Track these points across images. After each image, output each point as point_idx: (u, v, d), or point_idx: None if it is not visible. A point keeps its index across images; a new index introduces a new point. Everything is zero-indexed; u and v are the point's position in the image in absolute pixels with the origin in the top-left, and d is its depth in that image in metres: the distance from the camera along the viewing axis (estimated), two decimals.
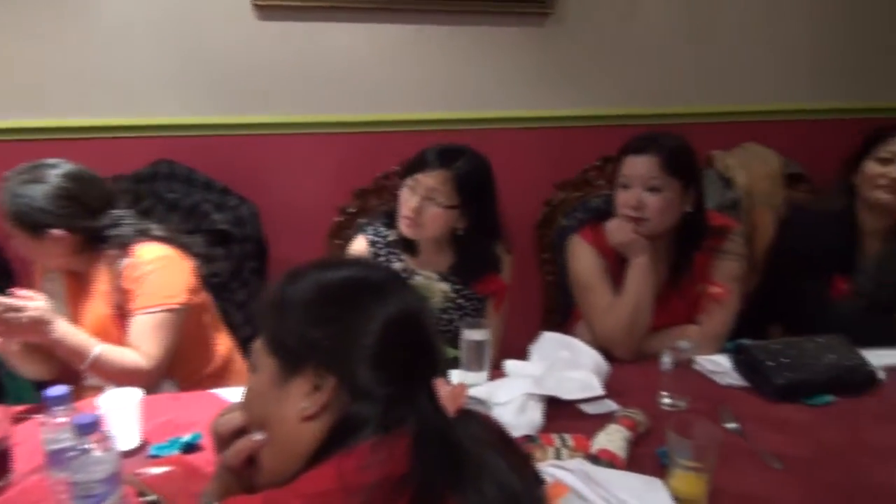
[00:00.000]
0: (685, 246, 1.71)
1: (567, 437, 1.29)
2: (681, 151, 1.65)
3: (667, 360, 1.46)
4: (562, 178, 2.30)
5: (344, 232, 2.12)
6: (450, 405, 0.77)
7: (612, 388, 1.53)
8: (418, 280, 1.68)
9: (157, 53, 2.20)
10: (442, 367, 0.80)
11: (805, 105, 2.61)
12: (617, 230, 1.67)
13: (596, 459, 1.21)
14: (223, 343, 1.81)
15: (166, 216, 2.15)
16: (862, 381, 1.55)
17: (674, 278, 1.73)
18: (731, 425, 1.39)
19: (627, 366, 1.63)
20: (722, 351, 1.67)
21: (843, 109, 2.63)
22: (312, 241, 2.17)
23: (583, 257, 1.75)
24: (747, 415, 1.45)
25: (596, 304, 1.72)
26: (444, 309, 1.76)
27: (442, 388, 0.78)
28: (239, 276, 2.21)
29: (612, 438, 1.25)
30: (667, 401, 1.47)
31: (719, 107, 2.58)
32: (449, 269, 1.77)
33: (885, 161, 1.77)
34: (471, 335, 1.49)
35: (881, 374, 1.61)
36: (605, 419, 1.34)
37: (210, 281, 2.16)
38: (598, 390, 1.44)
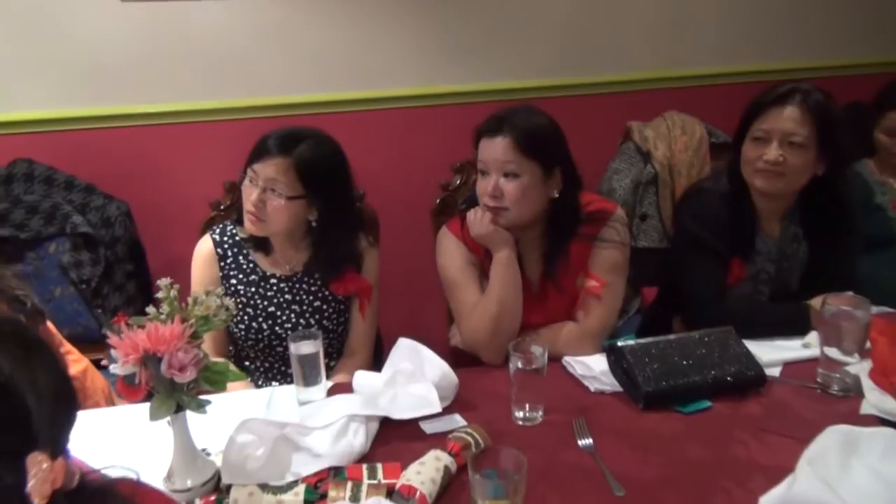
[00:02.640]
0: (557, 235, 1.53)
1: (379, 467, 1.13)
2: (538, 130, 1.46)
3: (514, 366, 1.29)
4: (461, 158, 2.13)
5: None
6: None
7: (468, 399, 1.38)
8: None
9: (12, 43, 2.03)
10: (42, 439, 0.63)
11: (730, 68, 2.41)
12: (476, 222, 1.50)
13: (397, 496, 1.05)
14: (76, 365, 1.65)
15: (26, 220, 1.99)
16: (745, 382, 1.38)
17: (549, 271, 1.56)
18: (584, 442, 1.23)
19: (494, 371, 1.47)
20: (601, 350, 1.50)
21: (773, 71, 2.42)
22: (193, 239, 2.01)
23: (449, 251, 1.58)
24: (610, 427, 1.29)
25: (462, 303, 1.55)
26: (302, 313, 1.60)
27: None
28: (111, 280, 2.06)
29: (422, 470, 1.09)
30: (519, 414, 1.31)
31: (636, 74, 2.39)
32: (304, 267, 1.61)
33: (759, 141, 1.57)
34: (299, 349, 1.33)
35: (774, 371, 1.45)
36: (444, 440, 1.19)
37: (80, 288, 2.01)
38: (436, 407, 1.28)
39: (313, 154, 1.51)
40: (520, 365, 1.29)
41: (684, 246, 1.69)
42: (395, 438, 1.26)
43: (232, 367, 1.17)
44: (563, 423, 1.29)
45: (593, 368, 1.44)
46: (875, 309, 1.41)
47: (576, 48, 2.40)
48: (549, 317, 1.57)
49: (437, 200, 2.09)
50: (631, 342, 1.41)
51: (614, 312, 1.55)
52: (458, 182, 2.04)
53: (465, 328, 1.54)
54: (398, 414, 1.26)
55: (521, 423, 1.31)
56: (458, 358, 1.67)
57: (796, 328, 1.54)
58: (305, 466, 1.11)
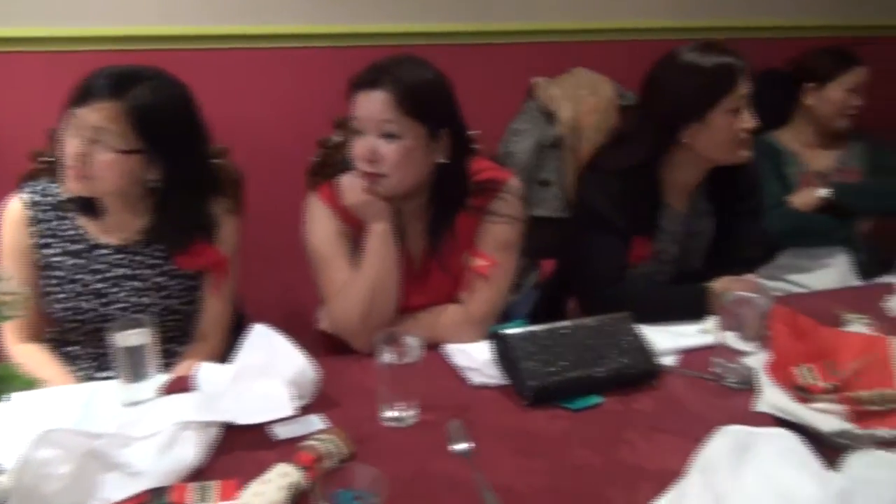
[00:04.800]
0: (442, 206, 1.43)
1: (212, 486, 1.01)
2: (424, 85, 1.35)
3: (386, 359, 1.19)
4: (344, 111, 1.99)
5: None
6: None
7: (332, 396, 1.28)
8: None
9: None
10: None
11: (645, 23, 2.36)
12: (349, 189, 1.38)
13: None
14: None
15: None
16: (639, 375, 1.34)
17: (433, 247, 1.46)
18: (460, 447, 1.15)
19: (365, 361, 1.37)
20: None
21: (688, 28, 2.39)
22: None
23: (318, 222, 1.46)
24: (491, 427, 1.22)
25: (331, 282, 1.44)
26: (139, 291, 1.43)
27: None
28: None
29: (265, 490, 0.98)
30: (388, 414, 1.21)
31: (543, 24, 2.30)
32: (143, 236, 1.44)
33: (735, 112, 1.54)
34: (123, 339, 1.17)
35: (669, 360, 1.42)
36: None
37: None
38: (287, 409, 1.16)
39: (153, 99, 1.33)
40: (390, 359, 1.19)
41: (583, 222, 1.63)
42: (239, 447, 1.14)
43: (34, 366, 1.01)
44: (438, 424, 1.21)
45: (476, 358, 1.36)
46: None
47: None
48: (432, 298, 1.48)
49: (315, 159, 1.94)
50: (518, 330, 1.34)
51: (503, 295, 1.48)
52: (339, 139, 1.89)
53: (334, 310, 1.43)
54: (242, 418, 1.14)
55: (390, 424, 1.21)
56: (326, 343, 1.56)
57: (695, 312, 1.52)
58: (118, 489, 0.97)
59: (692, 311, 1.53)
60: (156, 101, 1.34)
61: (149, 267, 1.44)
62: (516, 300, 2.27)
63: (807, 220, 2.15)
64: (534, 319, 1.50)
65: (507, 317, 1.61)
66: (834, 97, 2.17)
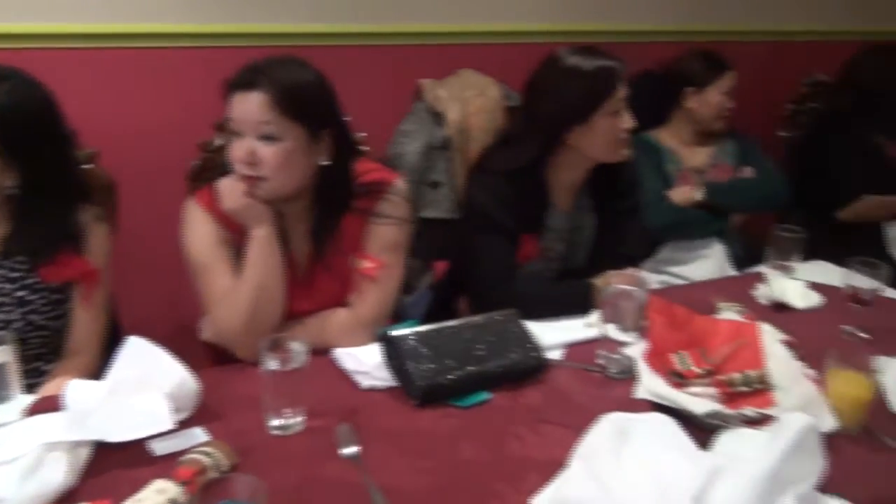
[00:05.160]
0: (327, 209, 1.42)
1: None
2: (302, 86, 1.33)
3: (270, 366, 1.17)
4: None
5: None
6: None
7: (215, 407, 1.24)
8: None
9: None
10: None
11: (527, 26, 2.43)
12: (228, 193, 1.35)
13: None
14: None
15: None
16: (526, 370, 1.38)
17: (318, 251, 1.45)
18: (349, 450, 1.15)
19: (250, 370, 1.33)
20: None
21: (569, 32, 2.48)
22: None
23: (197, 228, 1.42)
24: (380, 430, 1.22)
25: (212, 290, 1.40)
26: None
27: None
28: None
29: None
30: (275, 422, 1.19)
31: (430, 26, 2.33)
32: (2, 246, 1.35)
33: (616, 113, 1.61)
34: None
35: (556, 354, 1.47)
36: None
37: None
38: (166, 423, 1.12)
39: (7, 100, 1.27)
40: (275, 365, 1.17)
41: (472, 223, 1.66)
42: (114, 465, 1.09)
43: None
44: (327, 430, 1.20)
45: (365, 361, 1.36)
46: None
47: None
48: (319, 303, 1.46)
49: (195, 164, 1.89)
50: (405, 331, 1.35)
51: (391, 297, 1.49)
52: (220, 143, 1.85)
53: (216, 319, 1.39)
54: (117, 435, 1.09)
55: (277, 432, 1.19)
56: (211, 354, 1.52)
57: (581, 307, 1.58)
58: None
59: (578, 306, 1.58)
60: (10, 102, 1.27)
61: (9, 280, 1.36)
62: (410, 302, 2.28)
63: (685, 214, 2.27)
64: (428, 321, 1.51)
65: (400, 319, 1.61)
66: (712, 100, 2.31)
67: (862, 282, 1.58)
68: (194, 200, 1.43)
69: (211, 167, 1.86)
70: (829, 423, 1.22)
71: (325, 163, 1.38)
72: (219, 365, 1.48)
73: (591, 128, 1.59)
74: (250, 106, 1.30)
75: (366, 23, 2.30)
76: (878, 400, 1.30)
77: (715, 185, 2.30)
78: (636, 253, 1.74)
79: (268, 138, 1.31)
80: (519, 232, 1.64)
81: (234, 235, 1.41)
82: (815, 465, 1.09)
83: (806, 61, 2.87)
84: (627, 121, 1.61)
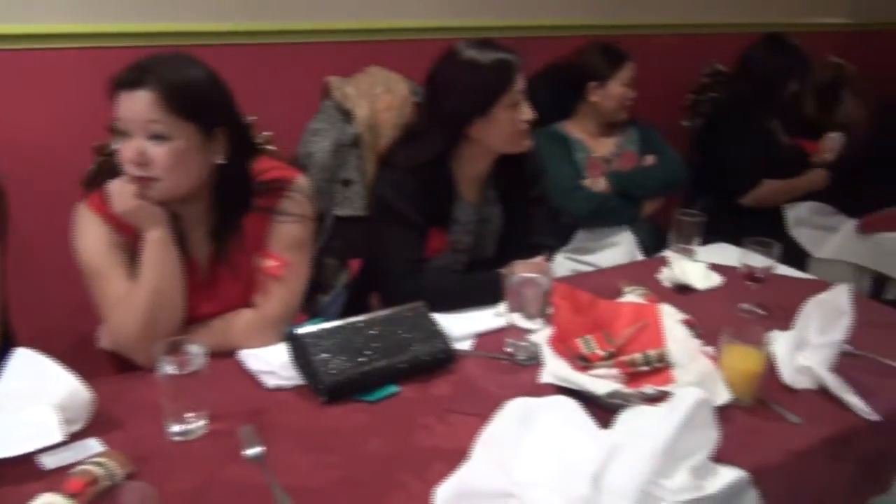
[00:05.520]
0: (226, 208, 1.40)
1: None
2: (192, 83, 1.31)
3: (167, 370, 1.14)
4: None
5: None
6: None
7: (113, 416, 1.21)
8: None
9: None
10: None
11: (432, 23, 2.45)
12: (118, 195, 1.31)
13: None
14: None
15: None
16: (435, 361, 1.39)
17: (219, 251, 1.42)
18: (252, 451, 1.13)
19: (150, 377, 1.29)
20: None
21: (472, 28, 2.51)
22: None
23: (89, 233, 1.37)
24: (286, 429, 1.21)
25: (107, 296, 1.36)
26: None
27: None
28: None
29: None
30: (175, 428, 1.17)
31: (336, 24, 2.31)
32: None
33: (516, 105, 1.63)
34: None
35: (466, 345, 1.48)
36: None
37: None
38: (56, 435, 1.08)
39: None
40: (172, 370, 1.14)
41: (380, 218, 1.67)
42: (2, 482, 1.04)
43: None
44: (230, 432, 1.18)
45: (272, 362, 1.34)
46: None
47: None
48: (223, 305, 1.44)
49: (91, 168, 1.82)
50: (312, 328, 1.34)
51: (297, 295, 1.47)
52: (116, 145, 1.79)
53: (112, 325, 1.35)
54: (4, 450, 1.04)
55: (178, 438, 1.17)
56: (112, 362, 1.47)
57: (490, 297, 1.60)
58: None
59: (488, 296, 1.60)
60: None
61: None
62: (327, 301, 2.27)
63: (604, 201, 2.33)
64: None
65: (318, 318, 1.60)
66: (614, 93, 2.37)
67: (756, 261, 1.65)
68: (85, 204, 1.38)
69: (107, 170, 1.80)
70: (724, 396, 1.28)
71: (221, 161, 1.36)
72: (121, 373, 1.44)
73: (492, 120, 1.62)
74: (137, 105, 1.26)
75: (272, 21, 2.27)
76: (770, 372, 1.37)
77: (619, 174, 2.37)
78: (544, 242, 1.77)
79: (157, 138, 1.27)
80: (426, 225, 1.65)
81: (129, 239, 1.37)
82: (709, 436, 1.14)
83: (705, 52, 2.98)
84: (527, 112, 1.64)
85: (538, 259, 1.66)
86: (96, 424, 1.18)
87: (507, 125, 1.63)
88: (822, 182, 2.72)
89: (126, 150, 1.28)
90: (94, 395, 1.19)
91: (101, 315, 1.39)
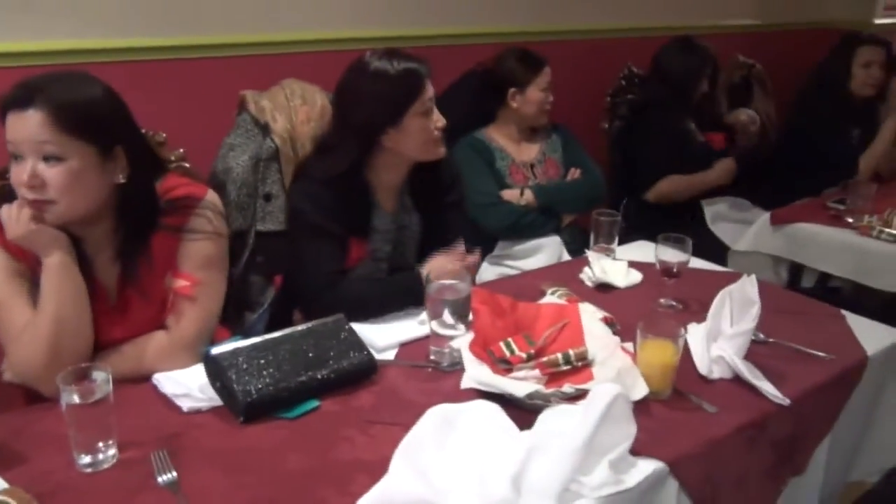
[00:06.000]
0: (131, 229, 1.36)
1: None
2: (84, 101, 1.26)
3: (71, 399, 1.10)
4: None
5: None
6: None
7: (17, 450, 1.16)
8: None
9: None
10: None
11: (346, 33, 2.44)
12: (12, 220, 1.25)
13: None
14: None
15: None
16: (357, 373, 1.37)
17: (127, 274, 1.37)
18: (166, 477, 1.10)
19: (59, 408, 1.24)
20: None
21: (390, 38, 2.52)
22: None
23: None
24: (202, 452, 1.18)
25: (8, 326, 1.30)
26: None
27: None
28: None
29: None
30: (84, 459, 1.12)
31: (250, 37, 2.29)
32: None
33: (427, 113, 1.65)
34: None
35: (389, 354, 1.48)
36: None
37: None
38: None
39: None
40: (76, 398, 1.10)
41: (297, 231, 1.65)
42: None
43: None
44: (143, 459, 1.14)
45: (188, 384, 1.30)
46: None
47: (171, 4, 2.20)
48: (135, 329, 1.39)
49: None
50: (227, 347, 1.31)
51: (212, 314, 1.44)
52: None
53: (15, 357, 1.30)
54: None
55: (87, 469, 1.12)
56: (20, 395, 1.41)
57: (412, 297, 1.59)
58: None
59: (409, 297, 1.59)
60: None
61: None
62: (254, 319, 2.22)
63: (522, 216, 2.35)
64: None
65: (247, 337, 1.56)
66: (533, 98, 2.41)
67: (671, 256, 1.69)
68: None
69: (4, 195, 1.73)
70: (641, 390, 1.30)
71: (123, 181, 1.32)
72: (29, 406, 1.37)
73: (404, 129, 1.62)
74: (27, 125, 1.21)
75: (182, 35, 2.22)
76: (686, 363, 1.40)
77: (544, 188, 2.40)
78: (470, 248, 1.77)
79: (51, 159, 1.23)
80: (345, 236, 1.64)
81: (29, 265, 1.32)
82: (627, 431, 1.16)
83: (620, 55, 3.06)
84: (439, 120, 1.66)
85: (457, 251, 1.67)
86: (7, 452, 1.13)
87: (420, 133, 1.64)
88: (727, 175, 2.80)
89: (19, 173, 1.23)
90: None
91: (3, 347, 1.33)
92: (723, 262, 2.31)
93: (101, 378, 1.12)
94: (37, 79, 1.24)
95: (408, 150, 1.65)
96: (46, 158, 1.23)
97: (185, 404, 1.28)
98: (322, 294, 1.58)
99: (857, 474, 1.64)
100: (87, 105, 1.26)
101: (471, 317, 1.45)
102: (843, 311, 1.71)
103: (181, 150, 1.86)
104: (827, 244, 2.41)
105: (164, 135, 1.80)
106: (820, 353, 1.50)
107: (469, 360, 1.36)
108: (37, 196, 1.24)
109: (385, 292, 1.62)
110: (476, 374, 1.33)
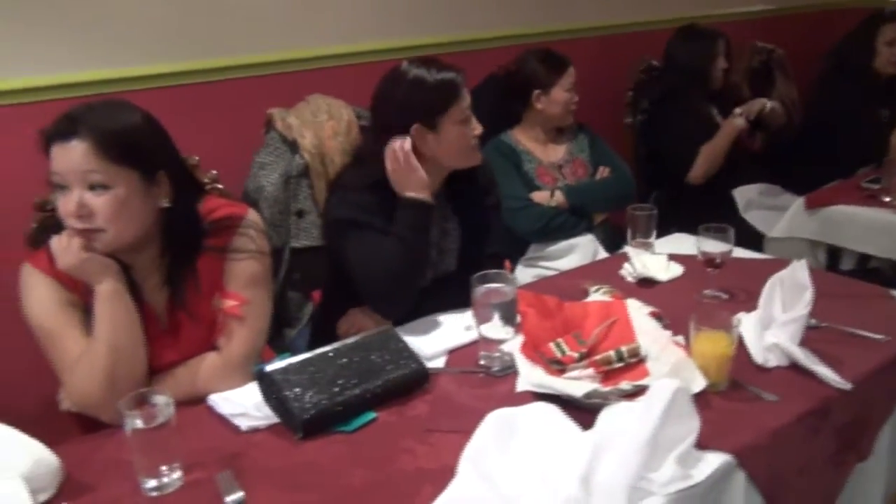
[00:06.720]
0: (178, 253, 1.36)
1: None
2: (127, 129, 1.27)
3: (134, 425, 1.10)
4: None
5: None
6: None
7: (83, 479, 1.17)
8: None
9: None
10: None
11: (368, 46, 2.46)
12: (63, 251, 1.26)
13: None
14: None
15: None
16: (410, 383, 1.37)
17: (176, 297, 1.38)
18: (233, 497, 1.10)
19: (120, 434, 1.24)
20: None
21: (410, 47, 2.53)
22: None
23: (37, 293, 1.32)
24: (264, 470, 1.18)
25: (64, 357, 1.31)
26: None
27: None
28: None
29: None
30: (150, 483, 1.12)
31: (271, 55, 2.30)
32: None
33: (464, 121, 1.65)
34: None
35: (438, 363, 1.47)
36: None
37: None
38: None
39: None
40: (139, 424, 1.10)
41: (342, 236, 1.64)
42: None
43: None
44: (208, 481, 1.14)
45: (243, 403, 1.31)
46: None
47: (195, 28, 2.22)
48: (186, 352, 1.40)
49: (34, 226, 1.76)
50: (281, 364, 1.31)
51: (261, 333, 1.44)
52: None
53: (72, 386, 1.31)
54: None
55: (154, 493, 1.12)
56: (78, 424, 1.42)
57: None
58: None
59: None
60: None
61: None
62: (294, 335, 2.23)
63: (552, 218, 2.34)
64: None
65: (284, 353, 1.57)
66: (558, 99, 2.40)
67: (713, 246, 1.67)
68: (30, 265, 1.33)
69: (50, 227, 1.74)
70: (699, 383, 1.28)
71: (167, 205, 1.33)
72: (88, 434, 1.38)
73: (442, 137, 1.62)
74: (72, 156, 1.22)
75: (205, 59, 2.25)
76: (741, 353, 1.38)
77: (574, 189, 2.39)
78: (503, 251, 1.77)
79: (97, 187, 1.24)
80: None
81: (80, 295, 1.33)
82: (690, 425, 1.15)
83: (638, 49, 3.05)
84: (476, 127, 1.66)
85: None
86: (66, 490, 1.14)
87: (458, 141, 1.64)
88: (738, 124, 2.74)
89: (66, 204, 1.24)
90: (61, 461, 1.14)
91: (60, 377, 1.34)
92: (758, 250, 2.28)
93: (163, 402, 1.12)
94: (78, 109, 1.26)
95: (446, 157, 1.65)
96: (92, 187, 1.24)
97: (244, 423, 1.28)
98: (390, 279, 1.58)
99: None
100: (130, 132, 1.27)
101: (518, 319, 1.44)
102: (890, 290, 1.68)
103: (214, 172, 1.87)
104: (864, 225, 2.38)
105: (197, 157, 1.81)
106: (875, 336, 1.47)
107: (522, 362, 1.35)
108: (85, 225, 1.25)
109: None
110: (531, 376, 1.32)
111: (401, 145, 1.58)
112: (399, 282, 1.58)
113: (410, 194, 1.60)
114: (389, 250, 1.57)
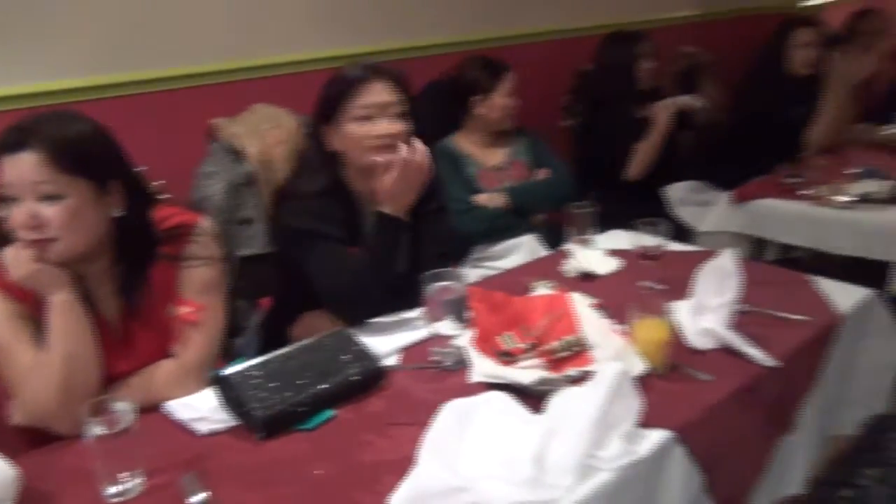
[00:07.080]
0: (131, 261, 1.37)
1: None
2: (79, 138, 1.28)
3: (95, 432, 1.11)
4: None
5: None
6: None
7: (42, 489, 1.17)
8: None
9: None
10: None
11: (311, 54, 2.48)
12: (15, 262, 1.26)
13: None
14: None
15: None
16: (367, 380, 1.41)
17: (130, 306, 1.39)
18: (196, 499, 1.12)
19: (78, 443, 1.25)
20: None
21: (353, 55, 2.55)
22: None
23: None
24: (227, 470, 1.20)
25: (16, 369, 1.31)
26: None
27: None
28: None
29: None
30: (111, 490, 1.13)
31: (215, 65, 2.31)
32: None
33: (363, 119, 1.66)
34: None
35: (393, 360, 1.51)
36: None
37: None
38: None
39: None
40: (100, 430, 1.11)
41: (298, 244, 1.67)
42: None
43: None
44: (170, 484, 1.16)
45: (200, 407, 1.33)
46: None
47: (137, 40, 2.21)
48: (140, 360, 1.40)
49: None
50: (238, 367, 1.33)
51: (216, 338, 1.46)
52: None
53: (26, 398, 1.30)
54: None
55: (116, 500, 1.14)
56: (27, 438, 1.40)
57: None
58: None
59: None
60: None
61: None
62: (242, 343, 2.23)
63: (495, 219, 2.41)
64: None
65: (240, 358, 1.58)
66: (498, 104, 2.48)
67: (648, 240, 1.77)
68: None
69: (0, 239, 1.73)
70: (640, 367, 1.37)
71: (120, 214, 1.34)
72: (37, 448, 1.37)
73: (342, 132, 1.67)
74: (23, 168, 1.22)
75: (148, 69, 2.24)
76: (676, 338, 1.47)
77: (515, 190, 2.47)
78: (451, 251, 1.82)
79: (49, 198, 1.24)
80: (344, 242, 1.67)
81: (31, 307, 1.32)
82: (632, 405, 1.22)
83: (574, 56, 3.16)
84: (379, 128, 1.66)
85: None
86: (25, 501, 1.13)
87: (354, 138, 1.67)
88: (666, 106, 2.89)
89: (17, 215, 1.24)
90: (19, 472, 1.14)
91: (11, 390, 1.33)
92: (688, 243, 2.40)
93: (125, 408, 1.14)
94: (27, 121, 1.26)
95: (350, 154, 1.69)
96: (44, 198, 1.24)
97: (203, 427, 1.30)
98: (356, 287, 1.62)
99: (839, 429, 1.73)
100: (81, 142, 1.27)
101: (468, 315, 1.50)
102: (810, 276, 1.80)
103: (161, 182, 1.87)
104: (786, 217, 2.53)
105: (143, 168, 1.81)
106: (797, 317, 1.58)
107: (474, 355, 1.41)
108: (37, 235, 1.25)
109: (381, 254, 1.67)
110: (483, 367, 1.38)
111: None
112: (367, 292, 1.61)
113: (390, 211, 1.63)
114: (360, 262, 1.60)
